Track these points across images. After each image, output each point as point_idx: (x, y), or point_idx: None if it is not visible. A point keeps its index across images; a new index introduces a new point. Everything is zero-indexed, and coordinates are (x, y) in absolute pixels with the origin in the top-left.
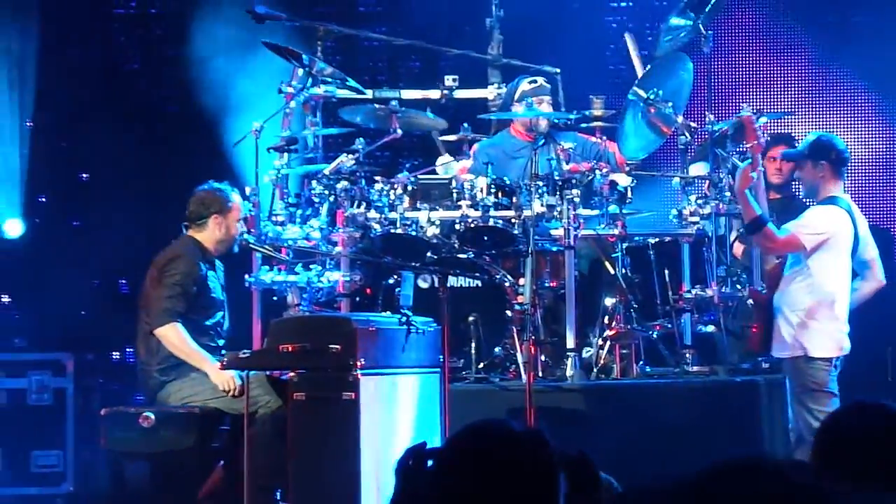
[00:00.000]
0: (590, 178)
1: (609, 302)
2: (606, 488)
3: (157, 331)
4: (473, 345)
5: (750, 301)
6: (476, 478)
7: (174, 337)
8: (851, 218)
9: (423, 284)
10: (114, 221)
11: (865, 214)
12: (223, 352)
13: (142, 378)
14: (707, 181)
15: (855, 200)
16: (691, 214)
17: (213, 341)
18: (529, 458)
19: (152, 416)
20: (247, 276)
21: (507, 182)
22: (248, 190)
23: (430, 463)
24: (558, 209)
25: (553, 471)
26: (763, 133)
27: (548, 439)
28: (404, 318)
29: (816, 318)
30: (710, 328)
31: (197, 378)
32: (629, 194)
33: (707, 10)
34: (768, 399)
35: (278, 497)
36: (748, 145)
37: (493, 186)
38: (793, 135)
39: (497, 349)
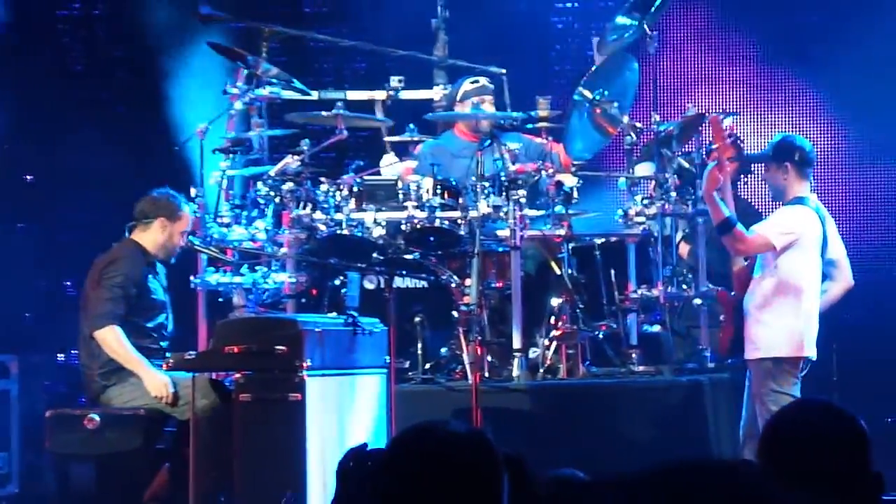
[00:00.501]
0: (536, 178)
1: (555, 302)
2: (564, 482)
3: (96, 333)
4: (420, 345)
5: (700, 305)
6: (418, 479)
7: (112, 340)
8: (820, 218)
9: (370, 285)
10: (59, 223)
11: None
12: (167, 353)
13: (84, 381)
14: (653, 181)
15: None
16: (637, 215)
17: (157, 343)
18: (472, 459)
19: (97, 419)
20: (192, 278)
21: (453, 183)
22: (193, 192)
23: (370, 465)
24: (504, 210)
25: (496, 471)
26: (730, 134)
27: (491, 440)
28: (350, 320)
29: (785, 320)
30: (656, 328)
31: (137, 382)
32: (575, 195)
33: (652, 9)
34: (713, 398)
35: (222, 500)
36: (714, 146)
37: (438, 187)
38: (737, 135)
39: (443, 350)
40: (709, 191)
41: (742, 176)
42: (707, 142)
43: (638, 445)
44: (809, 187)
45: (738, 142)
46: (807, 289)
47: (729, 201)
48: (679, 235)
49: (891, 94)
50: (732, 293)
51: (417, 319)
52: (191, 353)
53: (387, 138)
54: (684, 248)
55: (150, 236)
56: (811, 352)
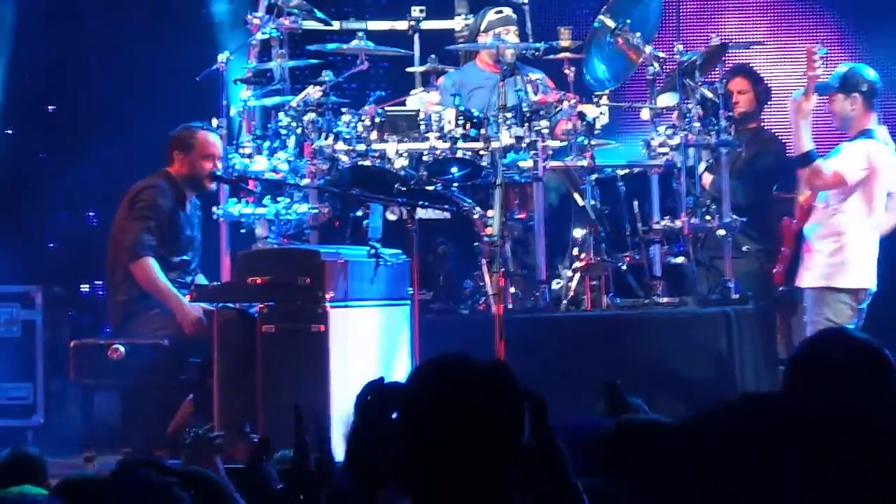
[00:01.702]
0: (558, 109)
1: (578, 233)
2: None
3: (132, 266)
4: (442, 277)
5: (723, 236)
6: (437, 411)
7: (147, 272)
8: (888, 150)
9: (392, 216)
10: (82, 153)
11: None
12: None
13: (110, 311)
14: (675, 111)
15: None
16: (660, 145)
17: (182, 277)
18: (492, 392)
19: (122, 349)
20: (214, 209)
21: (475, 114)
22: (215, 122)
23: (389, 397)
24: (526, 140)
25: (516, 404)
26: (821, 63)
27: (512, 372)
28: (373, 251)
29: (846, 250)
30: (680, 259)
31: (162, 313)
32: (598, 125)
33: None
34: (737, 329)
35: (248, 430)
36: (809, 74)
37: (460, 118)
38: (752, 66)
39: (466, 281)
40: (797, 121)
41: (765, 107)
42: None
43: (661, 377)
44: (877, 119)
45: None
46: (869, 221)
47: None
48: (702, 166)
49: None
50: (794, 221)
51: (440, 250)
52: (214, 283)
53: (408, 69)
54: (707, 179)
55: (175, 168)
56: (870, 283)
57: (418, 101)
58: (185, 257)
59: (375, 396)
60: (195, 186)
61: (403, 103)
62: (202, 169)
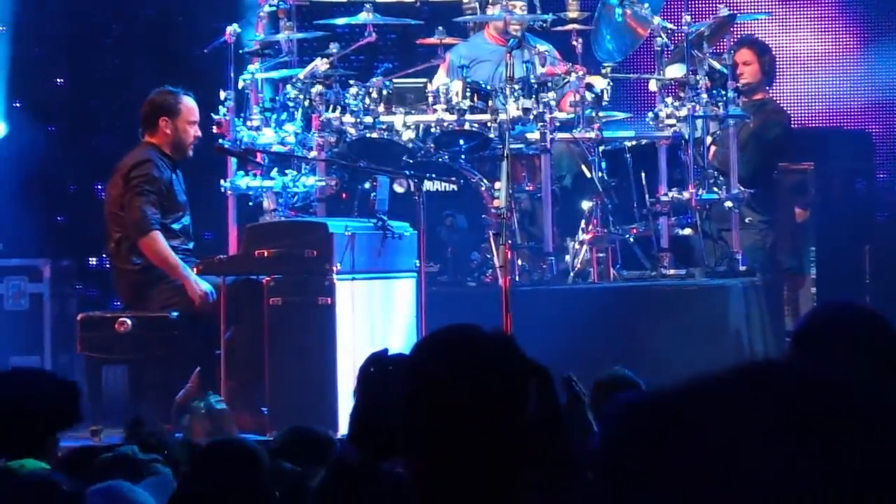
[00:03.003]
0: (565, 80)
1: (586, 206)
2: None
3: (140, 241)
4: (450, 249)
5: (731, 208)
6: (442, 383)
7: (156, 246)
8: None
9: (399, 189)
10: (90, 126)
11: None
12: (193, 256)
13: (118, 286)
14: (683, 83)
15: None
16: (668, 117)
17: (185, 244)
18: (498, 363)
19: (128, 322)
20: (222, 182)
21: (483, 85)
22: (222, 95)
23: (392, 369)
24: (534, 112)
25: (522, 377)
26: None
27: (518, 345)
28: (380, 223)
29: None
30: (687, 231)
31: (171, 286)
32: (605, 97)
33: None
34: (744, 301)
35: (264, 411)
36: None
37: (468, 90)
38: (757, 37)
39: (474, 253)
40: None
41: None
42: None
43: (669, 349)
44: None
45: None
46: None
47: None
48: (709, 139)
49: None
50: None
51: (447, 223)
52: (221, 256)
53: (417, 41)
54: (712, 150)
55: (160, 138)
56: None
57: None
58: (184, 223)
59: (378, 368)
60: (180, 152)
61: (415, 74)
62: (187, 135)
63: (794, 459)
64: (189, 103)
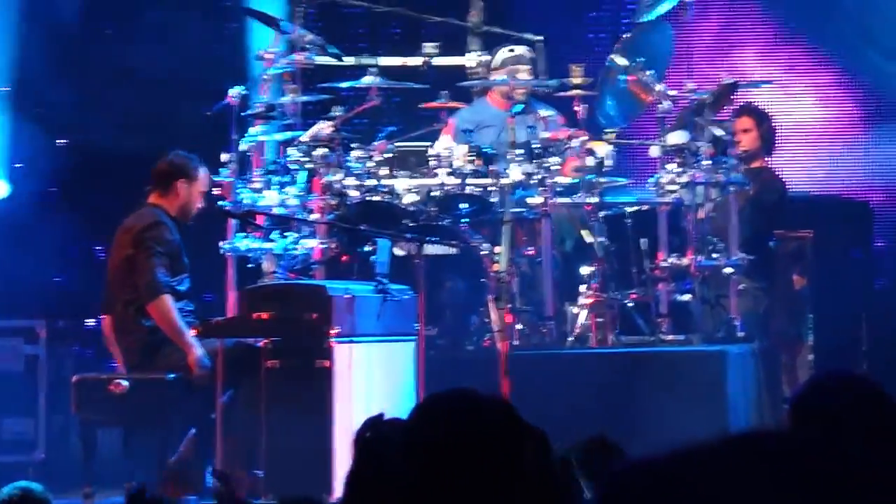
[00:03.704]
0: (567, 146)
1: (586, 270)
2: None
3: (150, 305)
4: (448, 313)
5: (730, 274)
6: (439, 448)
7: (166, 309)
8: None
9: (400, 252)
10: (90, 187)
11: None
12: (194, 317)
13: (125, 350)
14: (685, 149)
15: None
16: (669, 183)
17: (188, 305)
18: (495, 429)
19: (124, 384)
20: (222, 243)
21: (485, 150)
22: (225, 157)
23: (388, 434)
24: (536, 177)
25: (520, 441)
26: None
27: (515, 409)
28: (380, 286)
29: None
30: (687, 297)
31: (175, 351)
32: (607, 163)
33: None
34: (743, 368)
35: (259, 474)
36: None
37: (470, 154)
38: (757, 104)
39: (472, 317)
40: None
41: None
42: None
43: (668, 415)
44: None
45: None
46: None
47: None
48: (710, 205)
49: None
50: None
51: (447, 286)
52: (219, 318)
53: (420, 105)
54: (705, 215)
55: (172, 199)
56: None
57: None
58: (188, 284)
59: (374, 433)
60: (186, 216)
61: (418, 138)
62: (197, 202)
63: None
64: (204, 173)
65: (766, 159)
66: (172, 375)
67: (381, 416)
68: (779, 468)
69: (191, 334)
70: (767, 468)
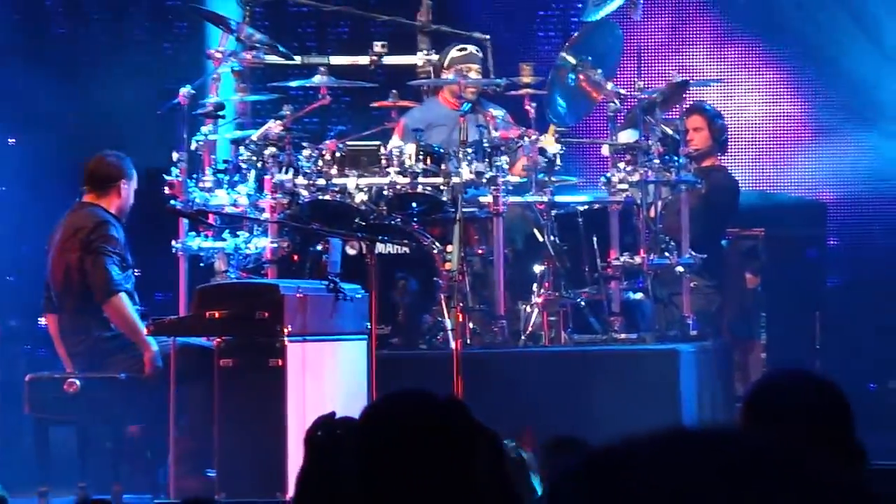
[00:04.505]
0: (518, 144)
1: (538, 269)
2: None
3: (107, 304)
4: (401, 312)
5: (682, 273)
6: (390, 447)
7: (123, 308)
8: None
9: (351, 251)
10: (42, 189)
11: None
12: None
13: (85, 351)
14: (635, 148)
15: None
16: (620, 182)
17: (137, 303)
18: (447, 428)
19: (77, 383)
20: (174, 242)
21: (436, 149)
22: (175, 156)
23: (339, 434)
24: (487, 176)
25: (472, 440)
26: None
27: (467, 408)
28: (332, 285)
29: None
30: (639, 295)
31: (132, 350)
32: (558, 161)
33: None
34: (695, 366)
35: (209, 473)
36: None
37: (421, 153)
38: (708, 103)
39: (425, 316)
40: None
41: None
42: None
43: (620, 413)
44: None
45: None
46: None
47: None
48: (661, 203)
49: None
50: None
51: (399, 285)
52: (172, 317)
53: (370, 104)
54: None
55: (112, 200)
56: None
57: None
58: (133, 281)
59: (326, 432)
60: (124, 215)
61: (369, 137)
62: (131, 200)
63: None
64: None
65: (717, 158)
66: (125, 375)
67: (332, 415)
68: (724, 462)
69: (144, 332)
70: (713, 462)
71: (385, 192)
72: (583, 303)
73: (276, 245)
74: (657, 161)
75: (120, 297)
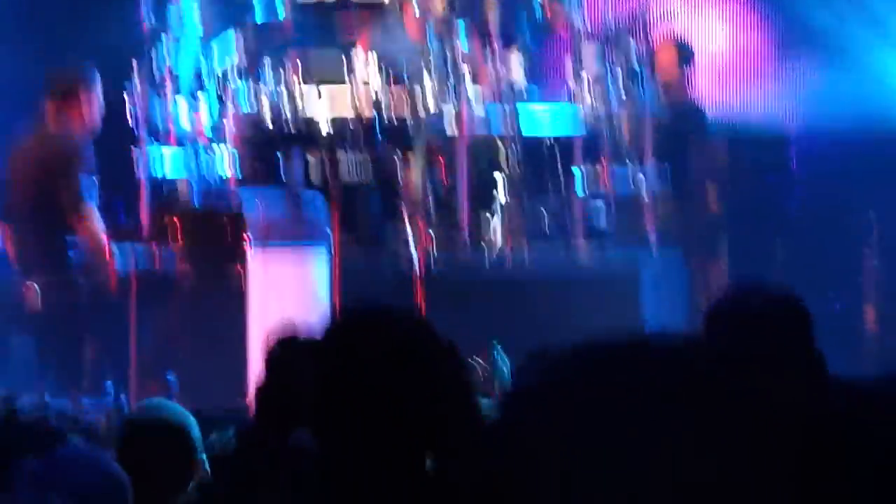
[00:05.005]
0: (486, 72)
1: (502, 190)
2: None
3: (73, 217)
4: (364, 222)
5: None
6: (349, 367)
7: (90, 222)
8: None
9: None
10: None
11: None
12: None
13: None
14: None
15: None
16: (587, 109)
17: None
18: (406, 343)
19: (37, 287)
20: (134, 158)
21: (400, 70)
22: (135, 69)
23: (299, 350)
24: (452, 97)
25: (433, 357)
26: None
27: (427, 322)
28: (294, 195)
29: None
30: (601, 207)
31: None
32: (524, 91)
33: None
34: (657, 278)
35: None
36: None
37: (386, 75)
38: (677, 34)
39: (388, 227)
40: None
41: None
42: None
43: (584, 329)
44: None
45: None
46: None
47: None
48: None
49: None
50: None
51: (363, 194)
52: (133, 227)
53: None
54: (627, 143)
55: (75, 112)
56: None
57: None
58: (96, 198)
59: (284, 350)
60: (88, 130)
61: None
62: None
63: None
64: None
65: (685, 88)
66: (83, 280)
67: (291, 331)
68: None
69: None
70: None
71: (349, 112)
72: (547, 220)
73: (238, 157)
74: (624, 92)
75: (87, 210)
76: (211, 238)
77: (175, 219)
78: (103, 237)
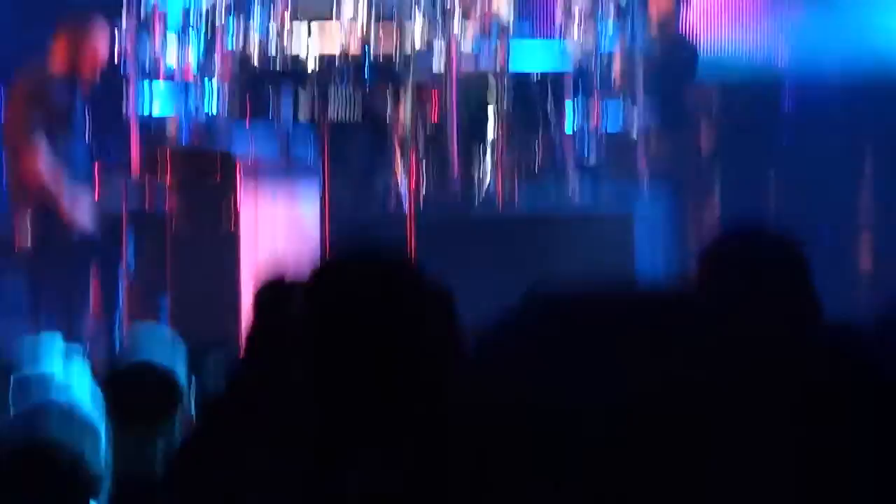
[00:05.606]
0: (474, 9)
1: (492, 132)
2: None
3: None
4: (355, 168)
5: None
6: (338, 313)
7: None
8: None
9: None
10: None
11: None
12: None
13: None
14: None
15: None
16: (576, 46)
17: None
18: (398, 290)
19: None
20: (125, 104)
21: (388, 11)
22: (124, 14)
23: (289, 294)
24: (441, 39)
25: (422, 304)
26: None
27: (418, 267)
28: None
29: None
30: (594, 157)
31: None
32: (511, 26)
33: None
34: (650, 228)
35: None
36: None
37: (375, 14)
38: None
39: (379, 174)
40: None
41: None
42: None
43: (576, 274)
44: None
45: None
46: None
47: None
48: (617, 70)
49: None
50: None
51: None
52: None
53: None
54: (619, 80)
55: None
56: None
57: None
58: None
59: (273, 293)
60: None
61: None
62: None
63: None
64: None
65: (678, 23)
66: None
67: (279, 270)
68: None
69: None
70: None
71: (337, 55)
72: (538, 165)
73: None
74: (614, 26)
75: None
76: (201, 174)
77: (165, 155)
78: (51, 178)
